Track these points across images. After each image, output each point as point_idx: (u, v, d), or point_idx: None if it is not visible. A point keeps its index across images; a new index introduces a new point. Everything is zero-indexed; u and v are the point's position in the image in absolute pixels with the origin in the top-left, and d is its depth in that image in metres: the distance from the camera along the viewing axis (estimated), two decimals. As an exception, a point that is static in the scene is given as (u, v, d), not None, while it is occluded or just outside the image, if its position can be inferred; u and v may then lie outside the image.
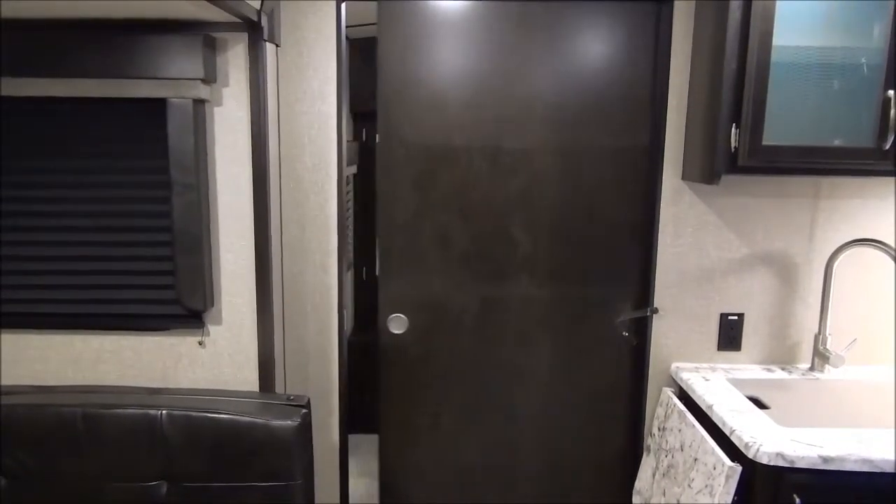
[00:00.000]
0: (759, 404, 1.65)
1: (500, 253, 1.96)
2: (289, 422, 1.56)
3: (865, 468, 1.37)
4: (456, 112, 1.89)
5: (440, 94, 1.88)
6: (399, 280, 1.97)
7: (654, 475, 1.83)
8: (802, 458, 1.37)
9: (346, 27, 1.92)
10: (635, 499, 1.94)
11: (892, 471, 1.36)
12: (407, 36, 1.86)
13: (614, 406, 2.04)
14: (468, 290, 1.98)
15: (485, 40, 1.86)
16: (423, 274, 1.97)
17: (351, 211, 3.40)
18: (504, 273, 1.97)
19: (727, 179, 1.67)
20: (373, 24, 1.89)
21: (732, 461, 1.44)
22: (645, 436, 1.99)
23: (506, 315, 1.99)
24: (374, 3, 1.84)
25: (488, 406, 2.05)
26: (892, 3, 1.51)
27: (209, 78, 1.62)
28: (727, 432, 1.51)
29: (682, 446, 1.68)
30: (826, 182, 1.86)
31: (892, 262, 1.71)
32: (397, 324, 1.99)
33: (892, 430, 1.47)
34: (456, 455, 2.08)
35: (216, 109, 1.69)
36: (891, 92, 1.53)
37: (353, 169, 3.35)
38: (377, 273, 1.97)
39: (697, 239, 1.89)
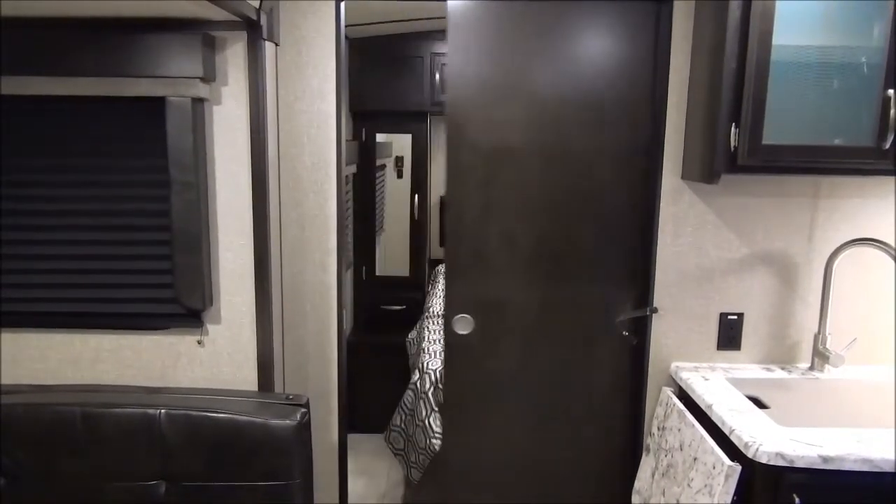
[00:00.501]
0: (759, 404, 1.65)
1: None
2: (288, 421, 1.56)
3: (865, 468, 1.36)
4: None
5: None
6: (465, 281, 1.97)
7: (653, 475, 1.83)
8: (802, 457, 1.37)
9: (346, 26, 1.92)
10: (635, 498, 1.94)
11: (892, 471, 1.36)
12: (476, 36, 1.85)
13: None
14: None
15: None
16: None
17: (350, 210, 3.40)
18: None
19: (727, 179, 1.67)
20: (371, 23, 1.89)
21: (732, 461, 1.44)
22: (644, 435, 1.98)
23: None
24: (387, 3, 1.83)
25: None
26: (892, 2, 1.51)
27: (208, 76, 1.62)
28: (727, 432, 1.50)
29: (681, 446, 1.68)
30: (826, 181, 1.85)
31: (892, 262, 1.70)
32: (463, 324, 1.98)
33: (892, 430, 1.46)
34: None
35: (215, 108, 1.69)
36: (891, 91, 1.52)
37: (353, 168, 3.35)
38: (444, 275, 1.98)
39: (697, 238, 1.89)
